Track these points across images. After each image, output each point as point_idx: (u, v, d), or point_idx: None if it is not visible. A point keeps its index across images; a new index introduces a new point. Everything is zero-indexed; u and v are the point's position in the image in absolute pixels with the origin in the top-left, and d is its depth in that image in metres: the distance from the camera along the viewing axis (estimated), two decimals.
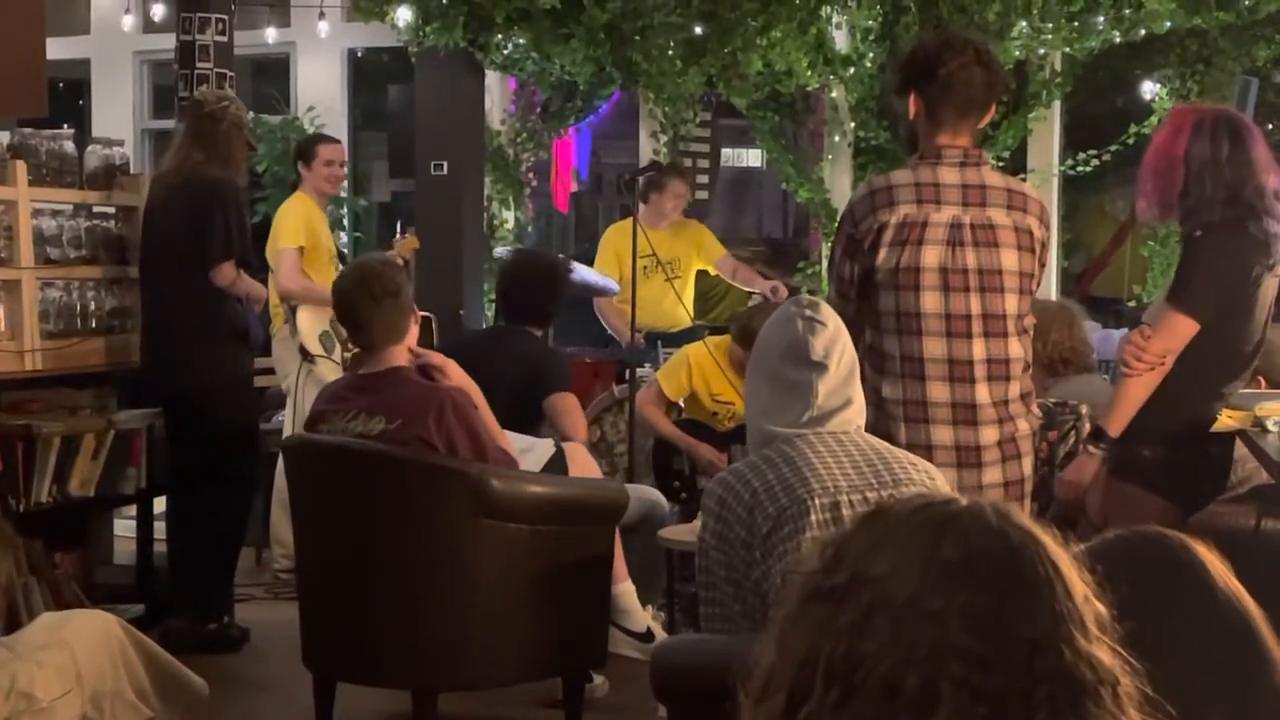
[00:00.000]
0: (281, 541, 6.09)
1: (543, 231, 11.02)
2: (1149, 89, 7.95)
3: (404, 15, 8.35)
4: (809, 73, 7.92)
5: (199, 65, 7.08)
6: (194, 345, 5.21)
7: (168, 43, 7.83)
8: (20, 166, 5.02)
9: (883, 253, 3.38)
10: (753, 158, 13.49)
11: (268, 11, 9.51)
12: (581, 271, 6.41)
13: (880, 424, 3.31)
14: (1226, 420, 3.59)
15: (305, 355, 6.07)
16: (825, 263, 7.36)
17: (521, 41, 8.38)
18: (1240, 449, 3.69)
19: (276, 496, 6.12)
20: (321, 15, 9.07)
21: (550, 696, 4.37)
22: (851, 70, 7.93)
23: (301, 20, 9.39)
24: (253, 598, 5.86)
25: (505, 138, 8.92)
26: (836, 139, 8.17)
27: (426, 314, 5.06)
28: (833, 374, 2.88)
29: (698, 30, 7.95)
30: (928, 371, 3.37)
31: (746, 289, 7.21)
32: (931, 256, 3.36)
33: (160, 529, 5.49)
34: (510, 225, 8.92)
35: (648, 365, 6.36)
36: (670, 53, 8.03)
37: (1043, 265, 3.50)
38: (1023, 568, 1.16)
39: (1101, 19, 7.41)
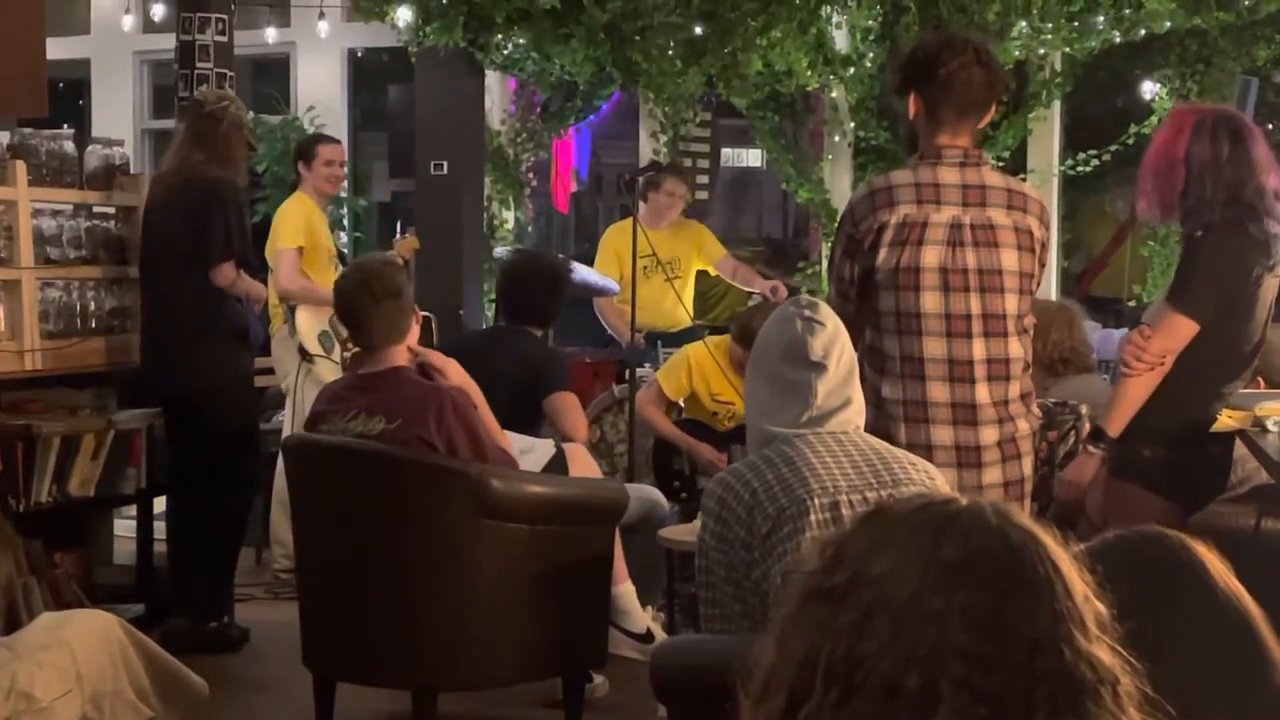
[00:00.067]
0: (281, 541, 6.09)
1: (543, 231, 11.02)
2: (1149, 89, 7.95)
3: (404, 15, 8.35)
4: (809, 73, 7.92)
5: (199, 65, 7.09)
6: (194, 345, 5.21)
7: (168, 43, 7.84)
8: (20, 166, 5.02)
9: (883, 253, 3.38)
10: (753, 158, 13.49)
11: (268, 11, 9.51)
12: (581, 271, 6.40)
13: (880, 424, 3.31)
14: (1226, 420, 3.59)
15: (304, 355, 6.08)
16: (825, 263, 7.36)
17: (521, 41, 8.38)
18: (1240, 449, 3.69)
19: (276, 496, 6.13)
20: (321, 15, 9.07)
21: (550, 696, 4.37)
22: (851, 70, 7.93)
23: (301, 20, 9.39)
24: (253, 598, 5.86)
25: (505, 138, 8.92)
26: (836, 139, 8.17)
27: (427, 314, 5.06)
28: (832, 374, 2.88)
29: (698, 30, 7.96)
30: (928, 371, 3.37)
31: (746, 289, 7.20)
32: (931, 256, 3.36)
33: (160, 529, 5.49)
34: (510, 225, 8.92)
35: (648, 365, 6.36)
36: (670, 53, 8.03)
37: (1043, 265, 3.50)
38: (1023, 567, 1.16)
39: (1101, 19, 7.41)
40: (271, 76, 10.23)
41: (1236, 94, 6.82)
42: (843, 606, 1.17)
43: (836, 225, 3.68)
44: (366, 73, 10.19)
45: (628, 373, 5.85)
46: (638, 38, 8.05)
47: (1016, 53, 7.52)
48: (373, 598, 3.97)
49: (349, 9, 9.15)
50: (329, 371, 5.84)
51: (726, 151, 13.40)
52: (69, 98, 10.89)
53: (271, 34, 9.31)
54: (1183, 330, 3.49)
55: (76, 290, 5.28)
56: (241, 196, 5.56)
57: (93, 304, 5.33)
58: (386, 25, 8.54)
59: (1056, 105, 7.85)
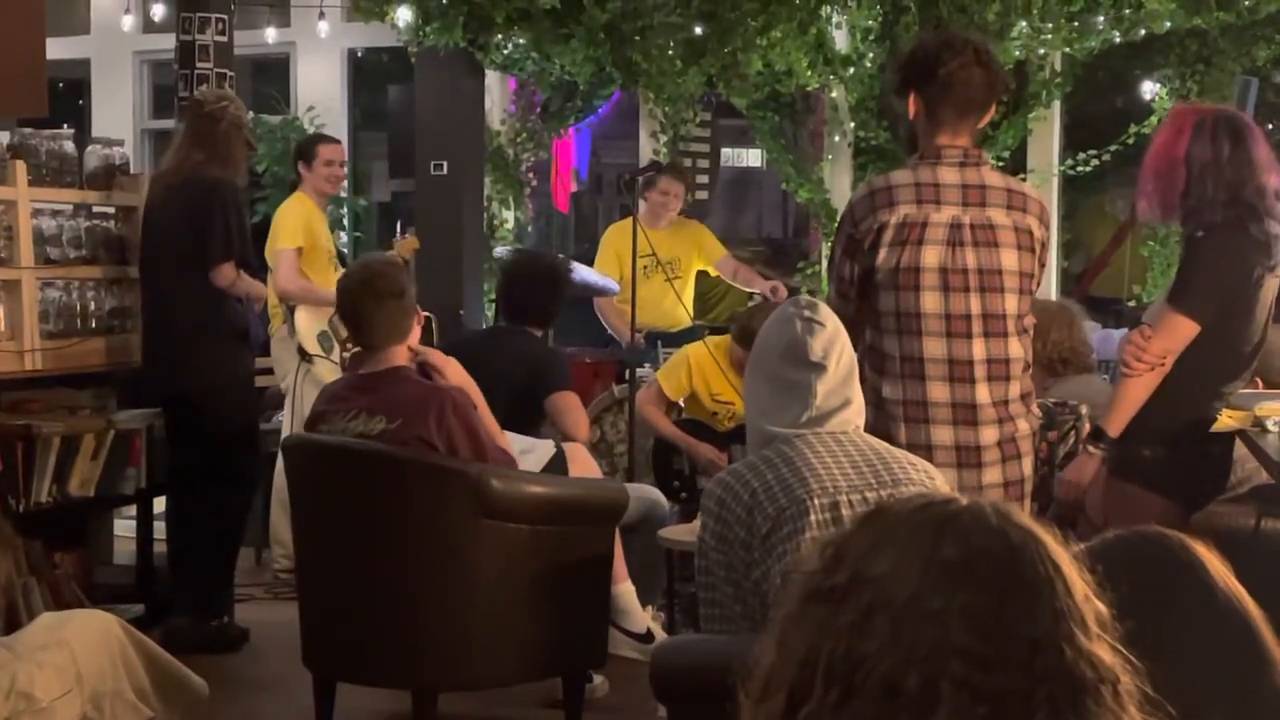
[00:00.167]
0: (281, 541, 6.09)
1: (543, 231, 11.02)
2: (1149, 89, 7.95)
3: (404, 15, 8.35)
4: (809, 73, 7.92)
5: (199, 65, 7.09)
6: (194, 345, 5.21)
7: (168, 43, 7.83)
8: (20, 166, 5.02)
9: (883, 253, 3.38)
10: (753, 158, 13.49)
11: (268, 11, 9.51)
12: (581, 271, 6.40)
13: (880, 424, 3.31)
14: (1226, 420, 3.59)
15: (303, 355, 6.08)
16: (825, 263, 7.36)
17: (521, 41, 8.38)
18: (1240, 449, 3.69)
19: (276, 496, 6.13)
20: (321, 15, 9.07)
21: (550, 696, 4.37)
22: (851, 70, 7.93)
23: (301, 20, 9.39)
24: (253, 598, 5.86)
25: (505, 138, 8.92)
26: (836, 139, 8.17)
27: (428, 315, 5.07)
28: (831, 374, 2.88)
29: (698, 30, 7.96)
30: (928, 372, 3.37)
31: (747, 289, 7.20)
32: (931, 256, 3.36)
33: (160, 529, 5.49)
34: (510, 225, 8.92)
35: (648, 365, 6.36)
36: (670, 53, 8.03)
37: (1043, 265, 3.50)
38: (1023, 567, 1.16)
39: (1101, 19, 7.41)
40: (271, 76, 10.23)
41: (1236, 94, 6.82)
42: (843, 606, 1.17)
43: (836, 225, 3.68)
44: (366, 73, 10.19)
45: (628, 373, 5.85)
46: (638, 38, 8.05)
47: (1016, 53, 7.52)
48: (373, 598, 3.97)
49: (349, 9, 9.15)
50: (328, 372, 5.84)
51: (726, 151, 13.41)
52: (69, 98, 10.89)
53: (271, 34, 9.31)
54: (1183, 331, 3.49)
55: (76, 290, 5.28)
56: (241, 196, 5.56)
57: (93, 304, 5.33)
58: (386, 25, 8.54)
59: (1056, 105, 7.85)
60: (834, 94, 8.10)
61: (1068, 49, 7.57)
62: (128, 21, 9.59)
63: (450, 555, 3.90)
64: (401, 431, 3.94)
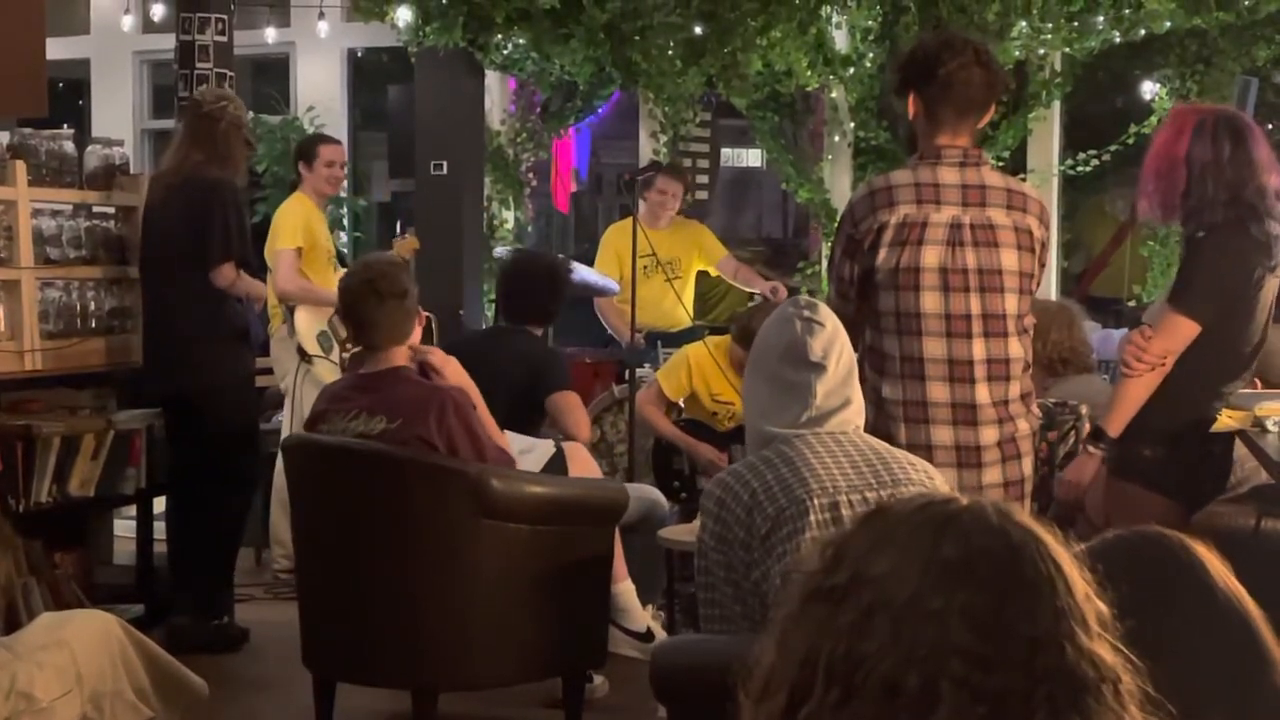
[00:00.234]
0: (281, 541, 6.09)
1: (543, 231, 11.02)
2: (1149, 89, 7.96)
3: (404, 15, 8.35)
4: (809, 73, 7.92)
5: (199, 65, 7.09)
6: (194, 345, 5.21)
7: (168, 43, 7.83)
8: (20, 166, 5.02)
9: (882, 253, 3.38)
10: (753, 158, 13.49)
11: (267, 11, 9.50)
12: (581, 271, 6.41)
13: (880, 424, 3.31)
14: (1226, 420, 3.59)
15: (303, 356, 6.08)
16: (825, 263, 7.36)
17: (521, 41, 8.38)
18: (1240, 449, 3.69)
19: (276, 496, 6.13)
20: (321, 15, 9.07)
21: (550, 696, 4.37)
22: (851, 70, 7.93)
23: (301, 20, 9.39)
24: (253, 598, 5.86)
25: (505, 138, 8.92)
26: (836, 139, 8.17)
27: (429, 315, 5.07)
28: (831, 375, 2.88)
29: (698, 30, 7.96)
30: (928, 372, 3.37)
31: (747, 289, 7.21)
32: (931, 256, 3.36)
33: (160, 529, 5.49)
34: (510, 225, 8.92)
35: (648, 365, 6.36)
36: (670, 53, 8.04)
37: (1043, 265, 3.50)
38: (1024, 566, 1.16)
39: (1101, 19, 7.41)
40: (271, 76, 10.23)
41: (1236, 94, 6.82)
42: (843, 606, 1.17)
43: (836, 225, 3.68)
44: (366, 73, 10.19)
45: (628, 373, 5.85)
46: (637, 38, 8.05)
47: (1016, 53, 7.52)
48: (373, 598, 3.97)
49: (349, 9, 9.15)
50: (327, 372, 5.84)
51: (726, 151, 13.40)
52: (69, 98, 10.89)
53: (271, 34, 9.31)
54: (1184, 331, 3.49)
55: (76, 290, 5.28)
56: (241, 196, 5.55)
57: (92, 304, 5.33)
58: (386, 25, 8.54)
59: (1056, 105, 7.85)
60: (834, 94, 8.10)
61: (1068, 49, 7.57)
62: (128, 21, 9.59)
63: (450, 555, 3.90)
64: (402, 431, 3.94)
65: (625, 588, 4.77)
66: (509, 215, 8.92)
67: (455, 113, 8.45)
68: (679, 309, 6.74)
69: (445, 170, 8.38)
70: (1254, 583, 1.49)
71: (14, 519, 4.64)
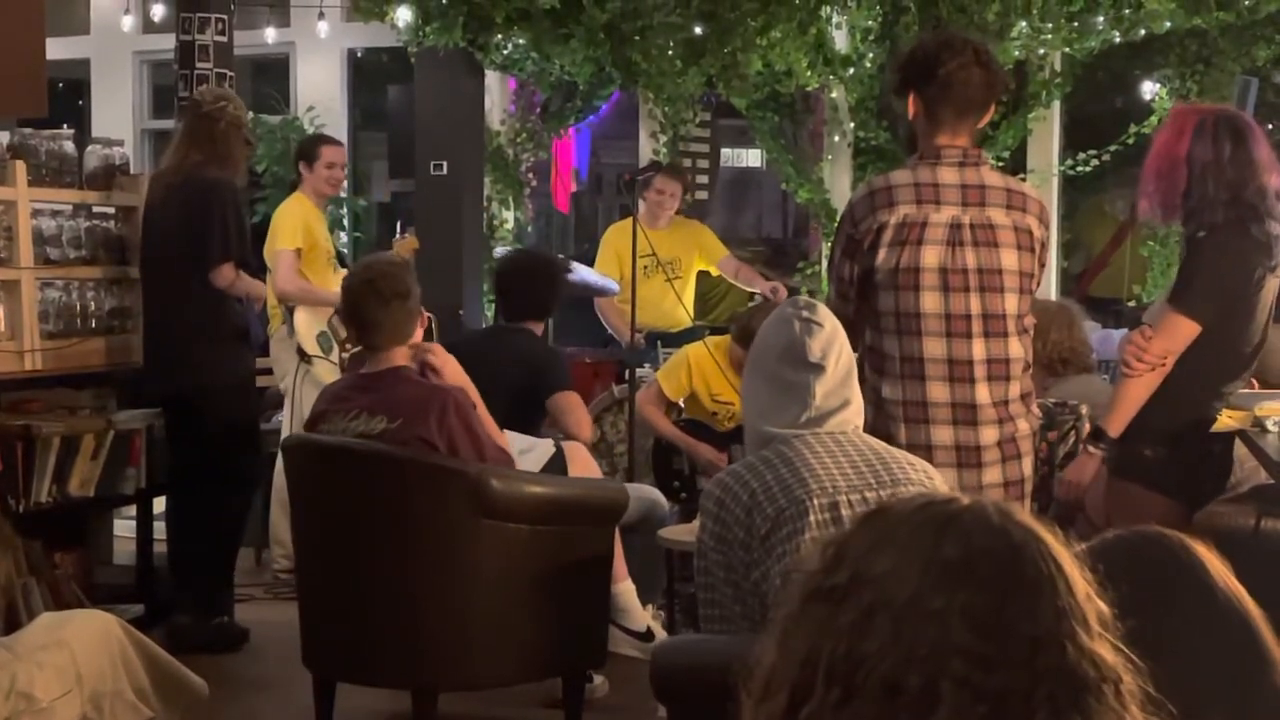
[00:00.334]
0: (281, 541, 6.09)
1: (543, 231, 11.02)
2: (1149, 89, 7.96)
3: (404, 15, 8.35)
4: (809, 73, 7.92)
5: (199, 65, 7.09)
6: (194, 345, 5.21)
7: (168, 43, 7.84)
8: (20, 166, 5.02)
9: (882, 253, 3.38)
10: (753, 158, 13.49)
11: (267, 11, 9.50)
12: (581, 271, 6.41)
13: (880, 424, 3.31)
14: (1226, 420, 3.59)
15: (303, 356, 6.08)
16: (825, 263, 7.36)
17: (521, 41, 8.38)
18: (1240, 449, 3.69)
19: (276, 496, 6.13)
20: (321, 15, 9.07)
21: (550, 696, 4.37)
22: (851, 70, 7.93)
23: (301, 20, 9.39)
24: (253, 598, 5.86)
25: (505, 138, 8.92)
26: (836, 139, 8.17)
27: (430, 315, 5.06)
28: (830, 375, 2.88)
29: (698, 30, 7.96)
30: (928, 372, 3.37)
31: (748, 289, 7.21)
32: (931, 256, 3.36)
33: (160, 529, 5.49)
34: (510, 225, 8.92)
35: (648, 365, 6.36)
36: (670, 53, 8.04)
37: (1042, 265, 3.50)
38: (1024, 566, 1.16)
39: (1101, 19, 7.41)
40: (271, 76, 10.23)
41: (1236, 94, 6.82)
42: (843, 606, 1.16)
43: (836, 226, 3.68)
44: (366, 73, 10.19)
45: (628, 373, 5.85)
46: (637, 38, 8.05)
47: (1016, 53, 7.52)
48: (373, 598, 3.97)
49: (349, 9, 9.15)
50: (327, 372, 5.84)
51: (726, 151, 13.41)
52: (69, 98, 10.89)
53: (271, 34, 9.31)
54: (1184, 331, 3.49)
55: (76, 290, 5.28)
56: (240, 197, 5.56)
57: (92, 304, 5.33)
58: (386, 25, 8.54)
59: (1056, 105, 7.85)
60: (834, 94, 8.10)
61: (1067, 49, 7.57)
62: (128, 21, 9.59)
63: (450, 555, 3.90)
64: (402, 431, 3.94)
65: (625, 588, 4.77)
66: (509, 215, 8.92)
67: (455, 113, 8.45)
68: (679, 309, 6.74)
69: (445, 170, 8.38)
70: (1254, 583, 1.49)
71: (14, 519, 4.64)
